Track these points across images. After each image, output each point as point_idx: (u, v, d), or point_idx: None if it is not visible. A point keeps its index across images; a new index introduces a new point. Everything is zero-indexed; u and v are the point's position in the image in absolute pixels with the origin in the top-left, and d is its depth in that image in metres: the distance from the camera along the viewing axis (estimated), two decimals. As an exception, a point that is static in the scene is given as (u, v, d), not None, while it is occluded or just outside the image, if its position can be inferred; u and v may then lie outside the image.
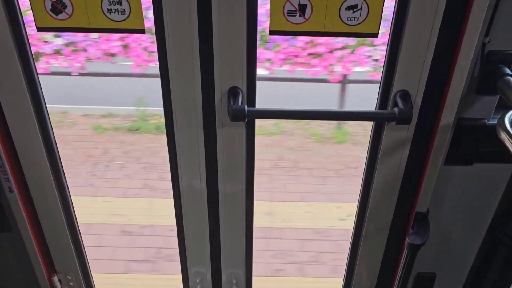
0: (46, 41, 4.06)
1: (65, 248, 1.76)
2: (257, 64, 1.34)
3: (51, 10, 1.26)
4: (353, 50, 4.16)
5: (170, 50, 1.31)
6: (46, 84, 1.47)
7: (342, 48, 4.16)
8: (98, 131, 4.90)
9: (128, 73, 4.63)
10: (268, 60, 4.23)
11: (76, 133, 4.88)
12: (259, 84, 1.37)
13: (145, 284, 2.83)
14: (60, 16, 1.27)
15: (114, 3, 1.25)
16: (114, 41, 4.04)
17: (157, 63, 1.35)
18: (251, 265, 1.82)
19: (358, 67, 4.31)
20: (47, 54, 4.14)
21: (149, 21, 1.31)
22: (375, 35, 1.29)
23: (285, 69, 4.49)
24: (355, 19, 1.26)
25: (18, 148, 1.50)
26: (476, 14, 1.21)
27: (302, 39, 4.05)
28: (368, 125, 1.47)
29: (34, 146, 1.49)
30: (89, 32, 1.31)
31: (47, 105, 1.47)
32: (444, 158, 1.49)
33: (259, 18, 1.27)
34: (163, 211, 3.74)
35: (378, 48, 4.11)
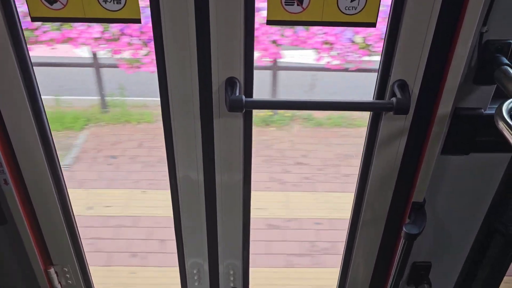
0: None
1: (61, 240, 1.75)
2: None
3: (45, -1, 1.24)
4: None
5: (167, 40, 1.29)
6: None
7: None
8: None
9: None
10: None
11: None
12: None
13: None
14: (55, 5, 1.25)
15: (109, -8, 1.24)
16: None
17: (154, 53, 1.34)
18: (248, 256, 1.83)
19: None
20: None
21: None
22: (373, 24, 1.28)
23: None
24: (353, 8, 1.25)
25: (13, 139, 1.48)
26: (474, 3, 1.21)
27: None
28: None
29: (29, 138, 1.48)
30: (84, 22, 1.29)
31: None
32: (441, 147, 1.49)
33: (256, 7, 1.26)
34: (302, 204, 3.79)
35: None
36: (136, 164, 4.39)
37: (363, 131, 1.49)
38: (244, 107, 1.31)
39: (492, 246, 1.64)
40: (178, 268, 1.87)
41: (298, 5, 1.25)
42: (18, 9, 1.30)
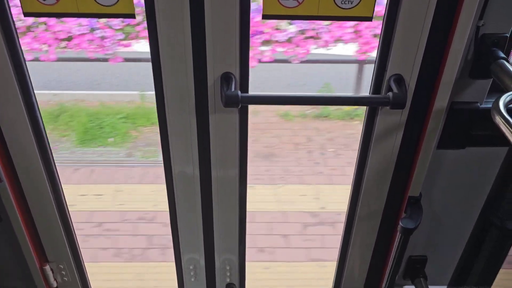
0: (278, 29, 4.13)
1: (56, 238, 1.74)
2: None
3: (38, -6, 1.23)
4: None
5: (162, 35, 1.28)
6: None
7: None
8: (286, 118, 4.81)
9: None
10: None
11: (265, 120, 4.79)
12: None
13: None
14: (48, 0, 1.23)
15: (103, -13, 1.22)
16: (347, 28, 4.05)
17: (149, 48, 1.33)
18: (245, 251, 1.83)
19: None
20: (279, 42, 4.16)
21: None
22: (369, 18, 1.28)
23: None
24: (349, 2, 1.24)
25: (6, 137, 1.47)
26: None
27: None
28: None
29: (23, 135, 1.47)
30: (77, 17, 1.28)
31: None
32: (437, 142, 1.49)
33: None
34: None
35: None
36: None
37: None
38: (239, 102, 1.30)
39: (487, 239, 1.65)
40: (174, 263, 1.86)
41: (294, -1, 1.24)
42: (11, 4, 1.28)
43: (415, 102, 1.40)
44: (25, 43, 4.07)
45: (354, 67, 4.94)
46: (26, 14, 1.26)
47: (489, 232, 1.63)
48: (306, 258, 3.11)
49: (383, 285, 1.83)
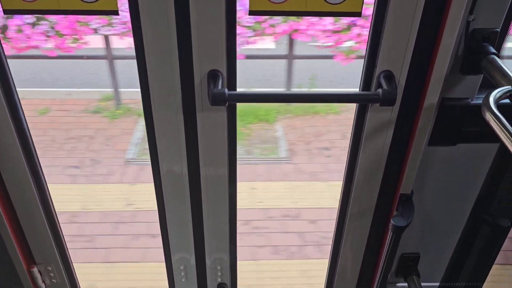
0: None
1: (43, 239, 1.71)
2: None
3: (17, -9, 1.19)
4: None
5: (146, 32, 1.25)
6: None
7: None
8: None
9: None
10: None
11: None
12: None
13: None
14: (28, -3, 1.20)
15: (84, -17, 1.19)
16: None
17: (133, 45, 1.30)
18: (236, 250, 1.81)
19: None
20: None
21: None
22: (358, 14, 1.25)
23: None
24: (338, -3, 1.22)
25: None
26: None
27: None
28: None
29: (6, 135, 1.43)
30: (59, 14, 1.24)
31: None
32: (428, 138, 1.47)
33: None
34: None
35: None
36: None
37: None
38: (227, 100, 1.28)
39: (479, 236, 1.63)
40: (164, 263, 1.84)
41: (281, -6, 1.21)
42: None
43: (405, 98, 1.38)
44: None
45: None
46: (6, 12, 1.22)
47: (480, 229, 1.62)
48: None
49: (376, 282, 1.81)
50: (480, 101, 1.11)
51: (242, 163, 4.19)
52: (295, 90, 5.30)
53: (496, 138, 1.04)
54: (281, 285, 2.84)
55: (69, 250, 1.83)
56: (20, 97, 1.41)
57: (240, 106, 1.41)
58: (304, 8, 1.24)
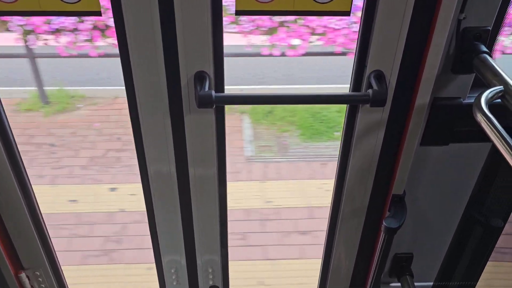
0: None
1: (30, 244, 1.68)
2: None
3: (-4, -8, 1.16)
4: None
5: (130, 33, 1.22)
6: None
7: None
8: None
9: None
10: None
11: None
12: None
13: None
14: (7, -2, 1.16)
15: (65, -16, 1.15)
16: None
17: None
18: (227, 252, 1.78)
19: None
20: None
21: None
22: (347, 13, 1.22)
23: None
24: (326, -4, 1.19)
25: None
26: None
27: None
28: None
29: None
30: (40, 15, 1.21)
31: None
32: (420, 138, 1.45)
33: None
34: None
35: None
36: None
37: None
38: (214, 102, 1.25)
39: (472, 236, 1.62)
40: (155, 265, 1.82)
41: (268, -7, 1.18)
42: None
43: (396, 98, 1.35)
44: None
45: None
46: (-16, 13, 1.19)
47: (473, 229, 1.61)
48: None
49: (369, 283, 1.80)
50: (472, 100, 1.08)
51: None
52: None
53: (488, 138, 1.02)
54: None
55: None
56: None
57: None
58: (292, 8, 1.21)
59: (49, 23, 4.50)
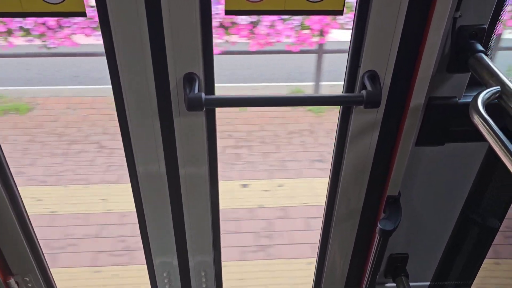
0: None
1: (18, 249, 1.64)
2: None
3: (-25, -7, 1.11)
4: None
5: (116, 35, 1.18)
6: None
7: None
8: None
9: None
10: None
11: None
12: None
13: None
14: (-14, -1, 1.12)
15: (47, -16, 1.11)
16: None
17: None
18: (220, 253, 1.75)
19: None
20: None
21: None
22: (340, 12, 1.19)
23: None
24: (318, -5, 1.16)
25: None
26: None
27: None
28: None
29: None
30: (21, 16, 1.17)
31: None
32: (415, 139, 1.43)
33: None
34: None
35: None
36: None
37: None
38: (203, 105, 1.21)
39: (468, 237, 1.60)
40: (146, 267, 1.78)
41: (258, -8, 1.14)
42: None
43: (391, 99, 1.33)
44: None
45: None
46: (-36, 15, 1.14)
47: (469, 229, 1.59)
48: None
49: (364, 284, 1.78)
50: (468, 100, 1.06)
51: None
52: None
53: (486, 140, 0.99)
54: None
55: (52, 257, 1.76)
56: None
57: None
58: (283, 7, 1.17)
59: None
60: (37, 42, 4.59)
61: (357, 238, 1.71)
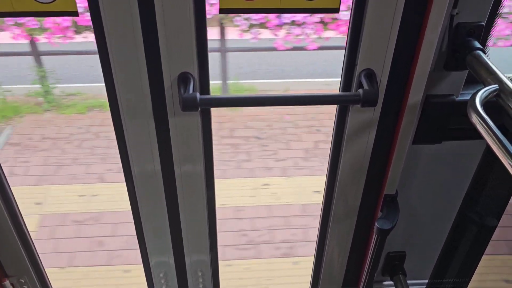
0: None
1: (14, 252, 1.62)
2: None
3: (-36, -8, 1.09)
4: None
5: (109, 35, 1.16)
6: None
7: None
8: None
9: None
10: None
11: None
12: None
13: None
14: (-24, -1, 1.10)
15: (38, -17, 1.09)
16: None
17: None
18: (217, 253, 1.74)
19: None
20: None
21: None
22: (336, 10, 1.17)
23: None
24: (314, -7, 1.14)
25: None
26: None
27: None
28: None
29: None
30: (13, 16, 1.15)
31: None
32: (412, 137, 1.41)
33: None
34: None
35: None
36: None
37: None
38: (199, 105, 1.19)
39: (466, 235, 1.59)
40: (143, 267, 1.77)
41: (253, -9, 1.13)
42: None
43: (388, 97, 1.31)
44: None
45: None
46: (-47, 15, 1.12)
47: (467, 228, 1.58)
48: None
49: (362, 282, 1.77)
50: (466, 98, 1.05)
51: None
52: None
53: (484, 138, 0.98)
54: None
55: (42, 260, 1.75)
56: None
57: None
58: (278, 5, 1.15)
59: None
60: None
61: (354, 237, 1.70)
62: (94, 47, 1.20)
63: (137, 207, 1.54)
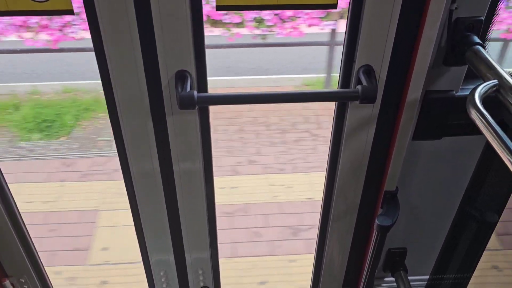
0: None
1: (13, 251, 1.62)
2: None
3: (-42, -8, 1.08)
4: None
5: (105, 33, 1.15)
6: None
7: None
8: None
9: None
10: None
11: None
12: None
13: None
14: (-30, -2, 1.09)
15: (33, -19, 1.08)
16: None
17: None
18: (217, 251, 1.74)
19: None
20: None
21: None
22: (334, 6, 1.16)
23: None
24: (312, -11, 1.13)
25: None
26: None
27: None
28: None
29: None
30: (8, 15, 1.14)
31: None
32: (412, 133, 1.41)
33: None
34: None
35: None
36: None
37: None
38: (196, 103, 1.18)
39: (467, 231, 1.59)
40: (143, 265, 1.77)
41: (250, -13, 1.12)
42: None
43: (387, 93, 1.30)
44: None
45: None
46: None
47: (468, 223, 1.57)
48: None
49: (363, 278, 1.77)
50: (465, 93, 1.04)
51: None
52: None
53: (483, 134, 0.98)
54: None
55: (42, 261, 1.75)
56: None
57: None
58: (275, 2, 1.14)
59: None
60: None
61: (355, 234, 1.70)
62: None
63: (136, 206, 1.54)
